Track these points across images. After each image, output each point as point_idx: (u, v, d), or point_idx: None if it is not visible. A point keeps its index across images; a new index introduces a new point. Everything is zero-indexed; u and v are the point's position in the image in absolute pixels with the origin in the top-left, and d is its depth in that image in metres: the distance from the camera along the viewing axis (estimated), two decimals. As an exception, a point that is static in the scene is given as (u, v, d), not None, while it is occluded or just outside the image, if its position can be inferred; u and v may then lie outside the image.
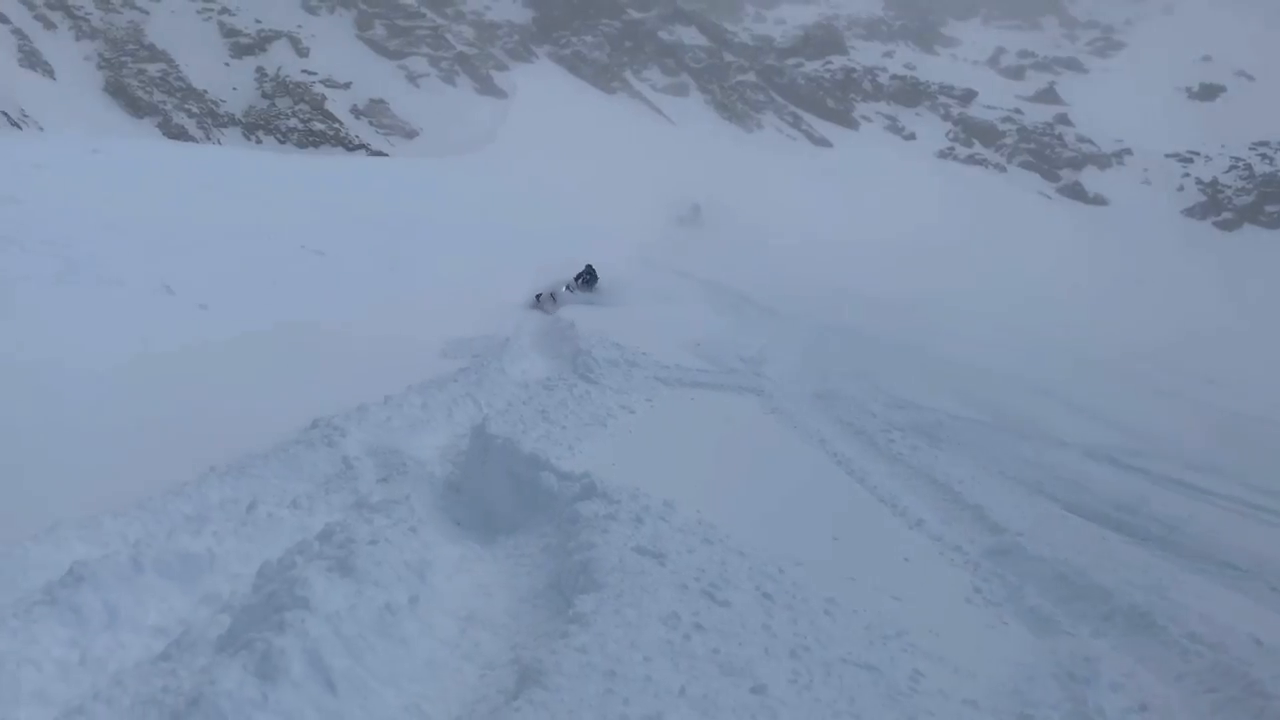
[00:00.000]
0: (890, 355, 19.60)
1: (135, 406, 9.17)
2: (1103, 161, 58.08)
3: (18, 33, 43.67)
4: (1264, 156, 55.25)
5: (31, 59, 42.86)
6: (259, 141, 45.24)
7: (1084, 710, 5.91)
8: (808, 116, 61.70)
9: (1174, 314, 32.95)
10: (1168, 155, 57.14)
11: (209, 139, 43.97)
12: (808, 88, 63.66)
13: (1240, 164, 55.02)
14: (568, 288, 21.12)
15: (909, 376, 17.71)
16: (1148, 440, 15.35)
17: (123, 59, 46.24)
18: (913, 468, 11.97)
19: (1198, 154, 56.78)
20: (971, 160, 59.07)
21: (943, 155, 59.61)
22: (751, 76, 63.77)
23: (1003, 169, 58.15)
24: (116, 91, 44.76)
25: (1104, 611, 7.79)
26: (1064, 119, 61.96)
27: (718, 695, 5.12)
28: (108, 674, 4.99)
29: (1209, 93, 63.42)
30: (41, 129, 35.96)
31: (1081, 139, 59.79)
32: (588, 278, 21.90)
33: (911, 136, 61.26)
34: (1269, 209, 51.47)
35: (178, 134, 43.13)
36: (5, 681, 4.54)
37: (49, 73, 43.27)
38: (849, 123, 62.13)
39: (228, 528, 6.72)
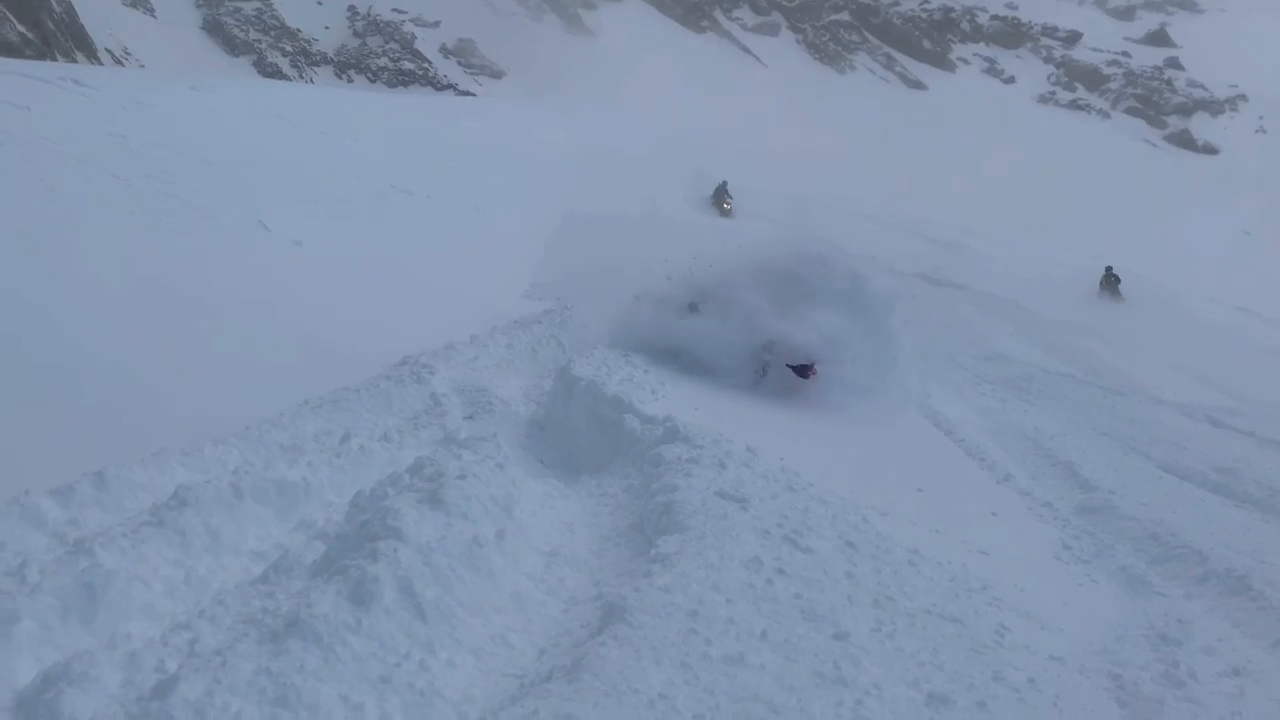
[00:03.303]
0: (980, 308, 19.18)
1: (232, 339, 9.46)
2: (1215, 108, 55.43)
3: (120, -29, 44.68)
4: (1392, 104, 52.11)
5: (133, -3, 43.88)
6: (350, 80, 45.82)
7: (1175, 673, 5.78)
8: (902, 58, 59.98)
9: (1284, 269, 31.49)
10: (1286, 101, 54.24)
11: (301, 77, 44.67)
12: (903, 28, 61.81)
13: (1366, 112, 52.01)
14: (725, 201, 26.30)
15: (1000, 329, 17.34)
16: (1251, 401, 14.80)
17: (220, -2, 47.04)
18: (1002, 422, 11.75)
19: (1319, 101, 53.79)
20: (1074, 106, 56.89)
21: (1043, 100, 57.54)
22: (845, 16, 62.14)
23: (1106, 115, 55.90)
24: (213, 30, 45.63)
25: (1199, 574, 7.59)
26: (1174, 63, 59.14)
27: (800, 640, 5.14)
28: (210, 593, 5.20)
29: (1335, 35, 59.74)
30: (143, 66, 36.89)
31: (1192, 84, 57.07)
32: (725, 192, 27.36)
33: (1011, 80, 59.20)
34: (1395, 160, 48.64)
35: (272, 72, 43.90)
36: (117, 597, 4.76)
37: (149, 10, 44.28)
38: (945, 65, 60.26)
39: (322, 458, 6.92)
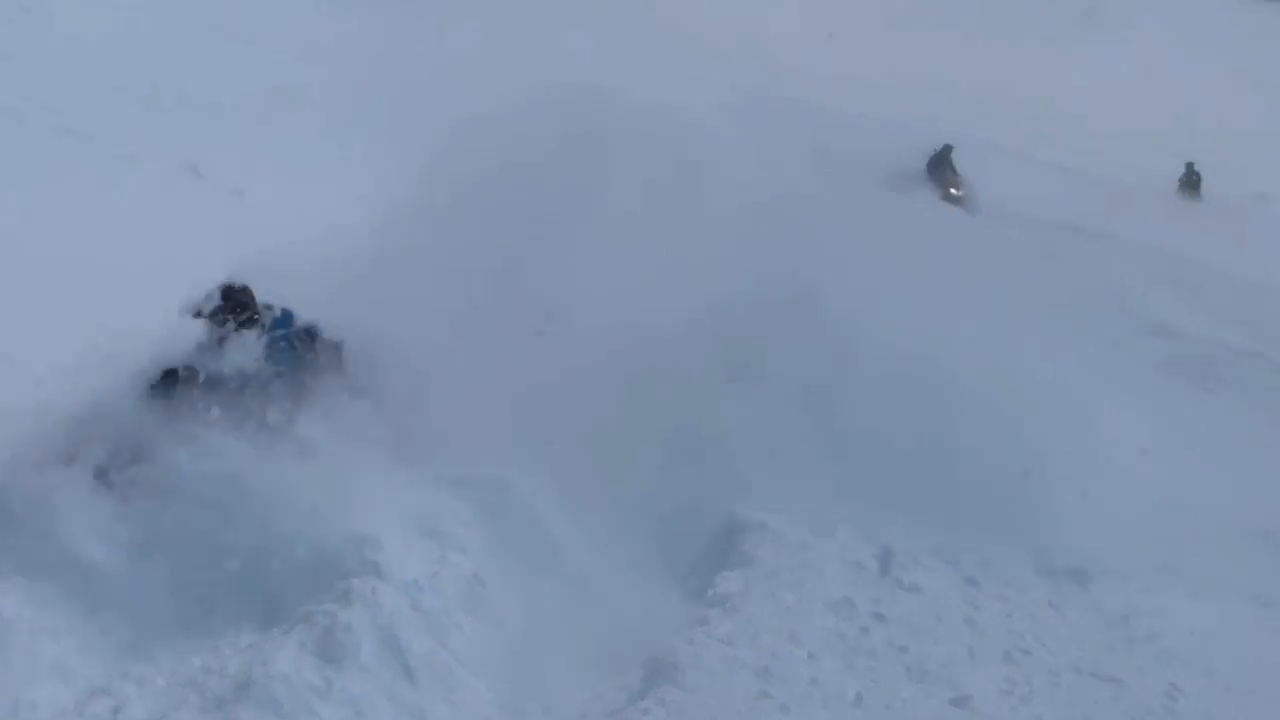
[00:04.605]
0: (1147, 262, 18.94)
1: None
2: None
3: None
4: None
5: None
6: None
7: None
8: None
9: None
10: None
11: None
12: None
13: None
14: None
15: (1172, 293, 17.14)
16: None
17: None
18: (1173, 419, 11.65)
19: None
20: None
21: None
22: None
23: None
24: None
25: None
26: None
27: (905, 706, 5.16)
28: (136, 649, 5.25)
29: None
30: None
31: None
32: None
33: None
34: None
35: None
36: (18, 654, 4.84)
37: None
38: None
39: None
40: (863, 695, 5.19)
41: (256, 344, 6.38)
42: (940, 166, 22.38)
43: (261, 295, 6.73)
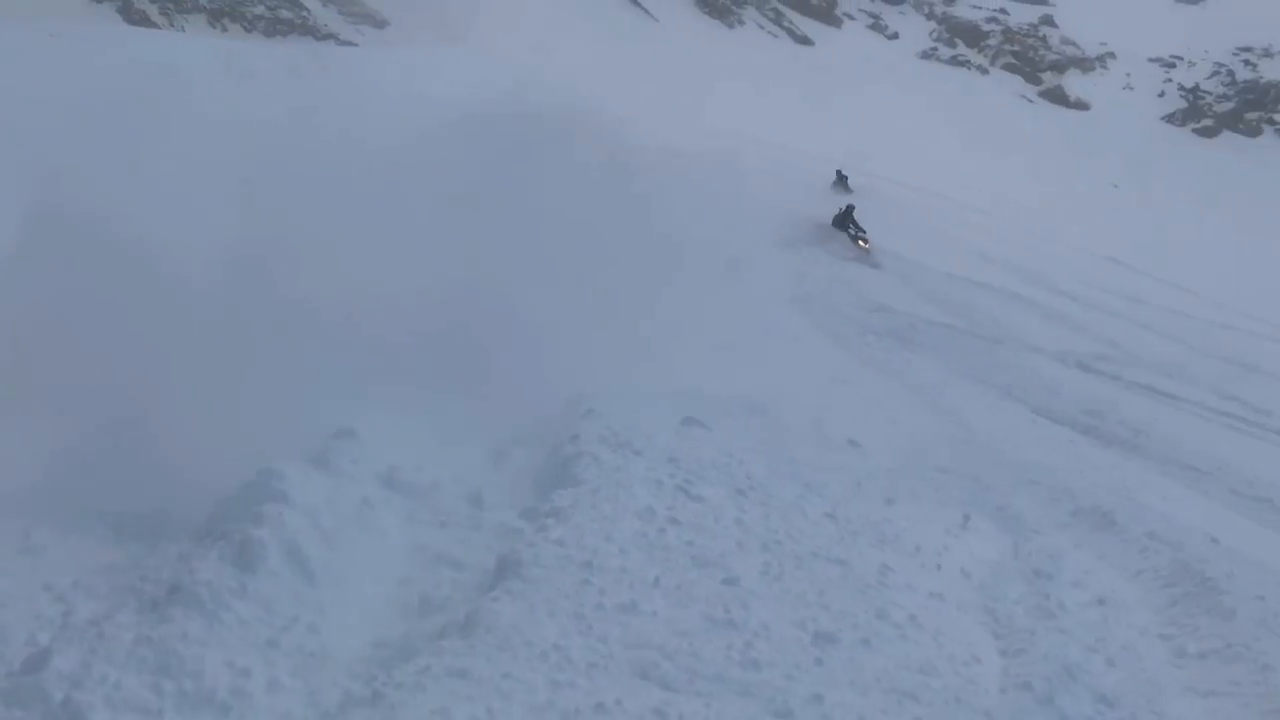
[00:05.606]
0: (869, 258, 19.57)
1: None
2: (1085, 65, 57.38)
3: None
4: (1247, 63, 54.69)
5: (-19, -63, 41.00)
6: (224, 30, 43.82)
7: (1046, 605, 6.10)
8: (790, 13, 60.33)
9: (1150, 221, 33.02)
10: (1150, 60, 56.46)
11: (171, 25, 42.52)
12: (790, -18, 62.03)
13: (1223, 70, 54.50)
14: None
15: (884, 281, 17.77)
16: (1119, 346, 15.56)
17: (78, -61, 44.31)
18: (886, 370, 12.10)
19: (1180, 59, 56.14)
20: (954, 62, 58.18)
21: (925, 56, 58.66)
22: (733, -30, 62.04)
23: (985, 71, 57.36)
24: (72, -27, 42.97)
25: (1069, 510, 8.00)
26: (1049, 20, 60.88)
27: (690, 585, 5.25)
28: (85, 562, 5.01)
29: (1196, -5, 62.43)
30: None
31: (1065, 41, 58.90)
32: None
33: (895, 36, 60.12)
34: (1249, 116, 51.22)
35: (139, 20, 41.63)
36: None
37: (0, -48, 41.41)
38: (832, 20, 60.80)
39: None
40: (660, 578, 5.26)
41: None
42: (845, 222, 21.00)
43: None
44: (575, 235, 9.16)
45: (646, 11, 56.48)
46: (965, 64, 58.59)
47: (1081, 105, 54.54)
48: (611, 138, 11.06)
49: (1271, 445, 11.46)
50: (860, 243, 20.41)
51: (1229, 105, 52.47)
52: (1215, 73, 54.97)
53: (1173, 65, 56.62)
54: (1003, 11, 62.33)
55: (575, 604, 4.86)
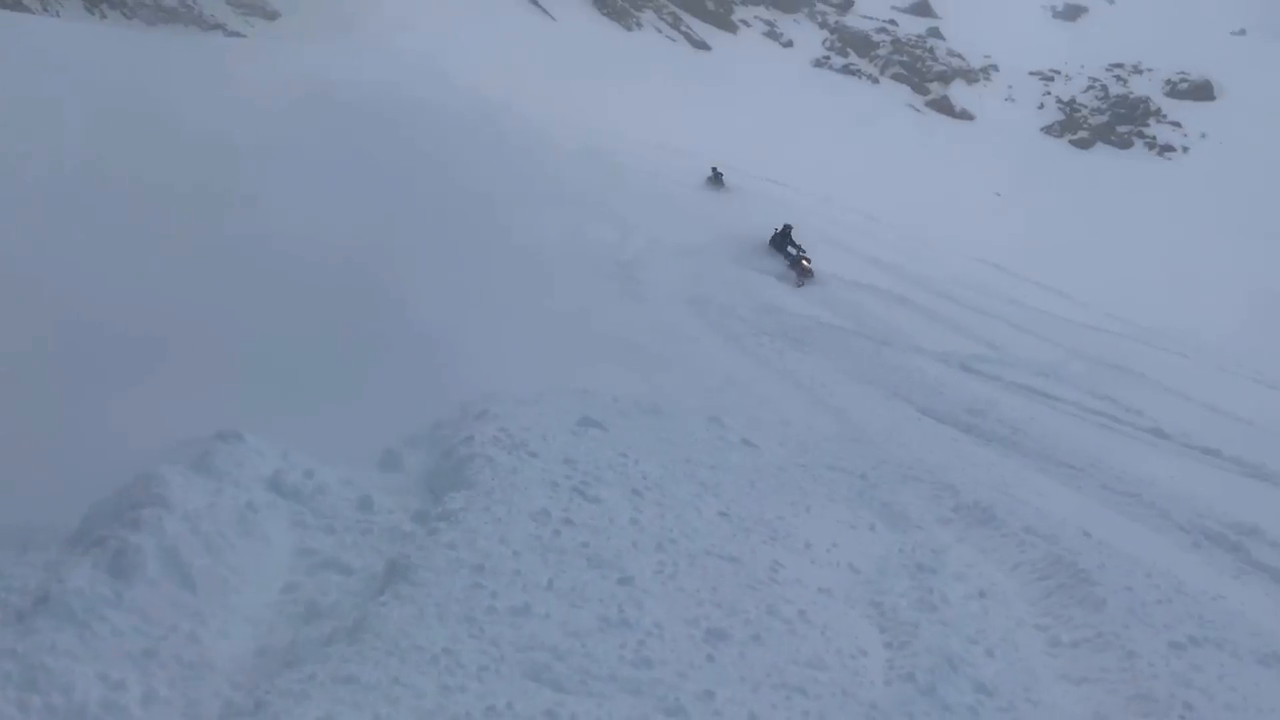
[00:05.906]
0: (751, 260, 19.74)
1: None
2: (970, 76, 59.37)
3: None
4: (1118, 78, 57.42)
5: None
6: (103, 16, 41.98)
7: (929, 598, 6.27)
8: (688, 17, 60.86)
9: (1028, 228, 34.27)
10: (1031, 73, 58.77)
11: (45, 10, 40.54)
12: (688, -13, 62.56)
13: (1096, 84, 57.11)
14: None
15: (777, 283, 18.04)
16: (998, 348, 16.10)
17: (-58, -85, 41.89)
18: (779, 371, 12.29)
19: (1058, 73, 58.60)
20: (846, 70, 59.52)
21: (818, 64, 59.88)
22: (631, -28, 62.23)
23: (875, 80, 58.84)
24: (-64, -48, 40.61)
25: (952, 506, 8.25)
26: (936, 32, 62.86)
27: (585, 587, 5.24)
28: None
29: (1072, 13, 65.21)
30: None
31: (952, 53, 60.88)
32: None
33: (789, 44, 61.22)
34: (1120, 129, 53.75)
35: (11, 3, 39.60)
36: None
37: None
38: (728, 26, 61.59)
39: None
40: (553, 580, 5.23)
41: None
42: (783, 242, 20.23)
43: None
44: (463, 232, 9.10)
45: (544, 11, 56.31)
46: (856, 73, 60.04)
47: (966, 115, 56.39)
48: (494, 134, 11.04)
49: (1141, 443, 12.01)
50: (803, 263, 19.15)
51: (1102, 118, 55.01)
52: (1090, 87, 57.58)
53: (1051, 79, 59.07)
54: (892, 23, 64.12)
55: (466, 607, 4.80)
